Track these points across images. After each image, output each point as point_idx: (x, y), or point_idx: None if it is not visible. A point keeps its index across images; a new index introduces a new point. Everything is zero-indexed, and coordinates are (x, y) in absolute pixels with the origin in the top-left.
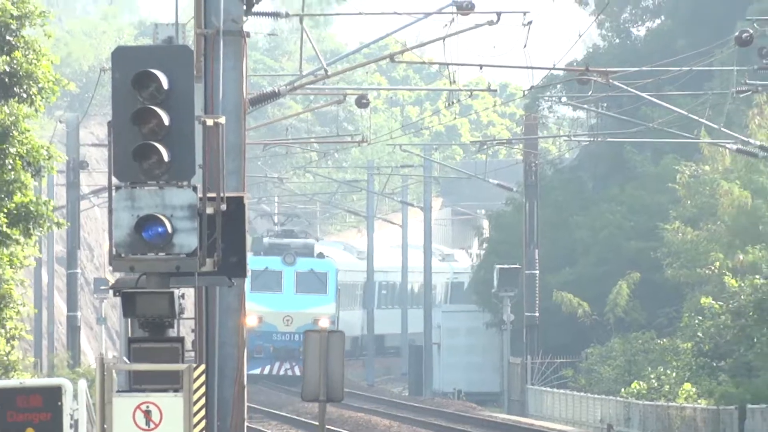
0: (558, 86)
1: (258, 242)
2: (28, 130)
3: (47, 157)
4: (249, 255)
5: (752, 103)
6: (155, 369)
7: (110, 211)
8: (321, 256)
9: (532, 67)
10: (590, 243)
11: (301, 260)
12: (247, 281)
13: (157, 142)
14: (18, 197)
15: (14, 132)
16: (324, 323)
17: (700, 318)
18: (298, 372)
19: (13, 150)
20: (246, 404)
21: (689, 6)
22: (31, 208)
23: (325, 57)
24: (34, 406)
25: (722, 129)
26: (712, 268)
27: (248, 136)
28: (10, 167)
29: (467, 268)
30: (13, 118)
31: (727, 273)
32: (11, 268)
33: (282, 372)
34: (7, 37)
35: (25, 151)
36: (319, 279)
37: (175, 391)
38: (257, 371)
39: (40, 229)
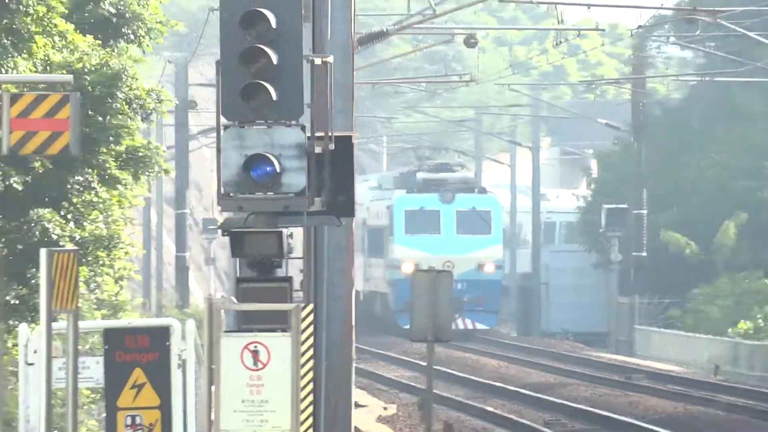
0: (666, 26)
1: (410, 178)
2: (137, 78)
3: (158, 101)
4: (402, 193)
5: None
6: (263, 309)
7: (218, 151)
8: (483, 191)
9: (640, 7)
10: (697, 183)
11: (461, 197)
12: (401, 223)
13: (265, 81)
14: (127, 140)
15: (123, 76)
16: (489, 269)
17: None
18: (460, 325)
19: (121, 95)
20: (354, 345)
21: None
22: (140, 153)
23: None
24: (142, 346)
25: None
26: None
27: (356, 76)
28: (118, 112)
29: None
30: (121, 65)
31: None
32: (120, 208)
33: None
34: None
35: (133, 96)
36: (482, 218)
37: (283, 330)
38: None
39: (150, 173)
